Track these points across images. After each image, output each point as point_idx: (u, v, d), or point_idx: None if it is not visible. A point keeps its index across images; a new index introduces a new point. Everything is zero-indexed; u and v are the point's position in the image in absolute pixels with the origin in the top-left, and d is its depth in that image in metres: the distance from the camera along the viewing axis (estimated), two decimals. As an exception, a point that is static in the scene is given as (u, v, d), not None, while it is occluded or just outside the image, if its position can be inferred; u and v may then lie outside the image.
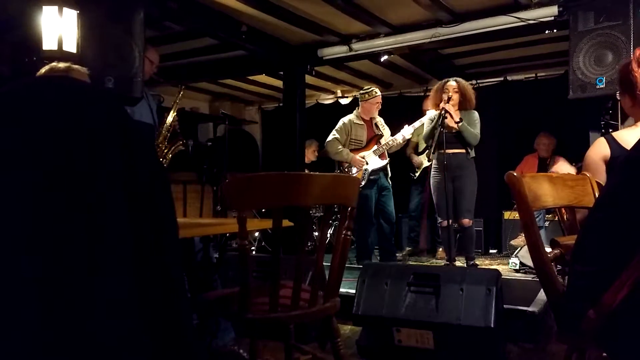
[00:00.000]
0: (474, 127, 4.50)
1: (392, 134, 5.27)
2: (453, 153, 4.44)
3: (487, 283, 2.74)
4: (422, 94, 6.81)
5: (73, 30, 3.01)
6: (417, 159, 5.77)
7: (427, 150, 5.54)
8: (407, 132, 5.15)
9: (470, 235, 4.65)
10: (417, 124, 5.14)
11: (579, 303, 1.33)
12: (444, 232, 4.45)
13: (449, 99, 4.37)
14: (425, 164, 5.72)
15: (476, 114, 4.57)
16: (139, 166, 1.01)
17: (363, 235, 5.10)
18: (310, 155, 6.71)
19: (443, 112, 4.28)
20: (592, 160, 2.18)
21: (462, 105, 4.53)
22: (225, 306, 1.97)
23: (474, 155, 4.51)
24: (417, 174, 5.82)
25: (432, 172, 4.60)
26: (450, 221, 4.46)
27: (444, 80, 4.59)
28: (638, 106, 2.15)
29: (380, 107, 5.21)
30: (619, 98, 2.39)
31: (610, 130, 3.71)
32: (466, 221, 4.52)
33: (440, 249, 5.70)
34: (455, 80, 4.56)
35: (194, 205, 5.62)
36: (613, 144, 2.15)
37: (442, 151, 4.35)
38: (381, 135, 5.20)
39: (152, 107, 3.72)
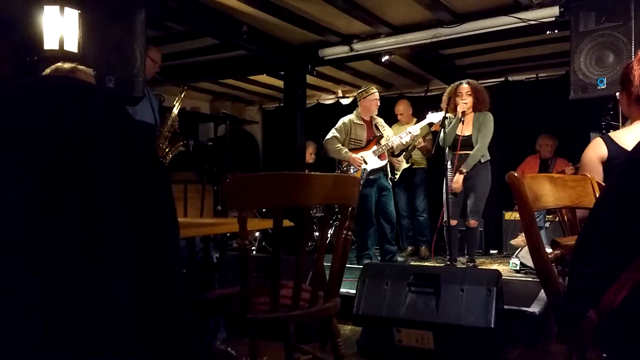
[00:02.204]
0: (485, 135, 4.45)
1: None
2: (466, 154, 4.44)
3: (487, 283, 2.74)
4: (423, 94, 6.82)
5: (74, 30, 3.01)
6: (395, 160, 5.76)
7: (405, 153, 5.59)
8: (405, 137, 5.16)
9: (474, 236, 4.65)
10: (415, 128, 5.14)
11: (579, 304, 1.33)
12: (448, 231, 4.45)
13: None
14: (404, 165, 5.73)
15: (491, 118, 4.52)
16: (140, 166, 1.01)
17: (363, 235, 5.10)
18: (307, 157, 6.71)
19: (462, 116, 4.35)
20: (588, 160, 2.19)
21: (477, 107, 4.50)
22: (226, 306, 1.98)
23: (487, 159, 4.50)
24: (397, 176, 5.81)
25: (445, 172, 4.58)
26: (456, 221, 4.48)
27: (456, 84, 4.56)
28: (633, 105, 2.16)
29: (378, 104, 5.21)
30: (618, 97, 2.40)
31: (611, 130, 3.71)
32: (472, 222, 4.52)
33: (424, 248, 5.71)
34: (468, 83, 4.51)
35: (195, 205, 5.62)
36: (610, 143, 2.16)
37: (455, 152, 4.38)
38: (381, 136, 5.20)
39: (154, 106, 3.72)
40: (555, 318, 1.58)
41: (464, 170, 4.41)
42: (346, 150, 5.10)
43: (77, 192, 0.93)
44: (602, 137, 2.22)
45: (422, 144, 5.39)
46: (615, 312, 1.23)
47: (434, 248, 5.77)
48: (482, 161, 4.46)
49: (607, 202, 1.37)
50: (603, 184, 1.93)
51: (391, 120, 5.53)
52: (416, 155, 5.73)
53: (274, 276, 1.77)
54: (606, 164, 2.15)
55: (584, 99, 3.78)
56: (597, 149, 2.18)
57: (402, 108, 5.90)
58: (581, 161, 2.25)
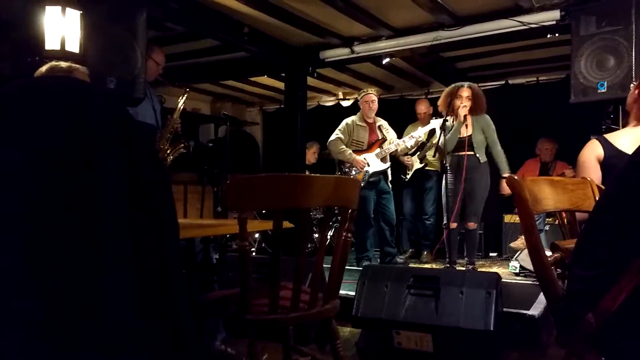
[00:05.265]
0: (493, 136, 4.48)
1: (398, 137, 5.33)
2: (467, 155, 4.43)
3: (487, 286, 2.74)
4: (424, 96, 6.81)
5: (76, 30, 3.01)
6: (407, 160, 5.75)
7: (419, 152, 5.58)
8: (409, 142, 5.18)
9: (473, 238, 4.65)
10: (419, 133, 5.15)
11: (578, 307, 1.33)
12: (448, 234, 4.45)
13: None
14: (417, 165, 5.72)
15: (490, 119, 4.53)
16: (140, 167, 1.01)
17: (362, 237, 5.10)
18: (310, 157, 6.72)
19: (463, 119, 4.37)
20: (586, 159, 2.21)
21: (473, 112, 4.48)
22: (225, 307, 1.97)
23: (485, 159, 4.50)
24: (408, 176, 5.80)
25: (444, 174, 4.58)
26: (456, 224, 4.48)
27: (456, 85, 4.54)
28: (638, 103, 2.19)
29: (372, 107, 5.19)
30: (631, 88, 2.40)
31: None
32: (472, 224, 4.52)
33: (425, 253, 5.70)
34: (470, 87, 4.49)
35: (195, 206, 5.63)
36: (606, 144, 2.19)
37: (457, 153, 4.40)
38: (384, 139, 5.21)
39: (155, 108, 3.72)
40: (554, 321, 1.58)
41: (508, 173, 4.44)
42: (350, 152, 5.11)
43: (77, 193, 0.93)
44: (597, 139, 2.24)
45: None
46: (614, 316, 1.23)
47: (433, 251, 5.77)
48: (482, 161, 4.47)
49: (606, 206, 1.37)
50: (602, 187, 1.94)
51: (392, 123, 5.52)
52: (430, 155, 5.66)
53: (273, 277, 1.77)
54: (603, 165, 2.17)
55: (585, 103, 3.78)
56: (593, 150, 2.20)
57: (425, 107, 5.85)
58: (578, 161, 2.27)
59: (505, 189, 4.47)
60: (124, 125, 1.02)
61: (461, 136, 4.45)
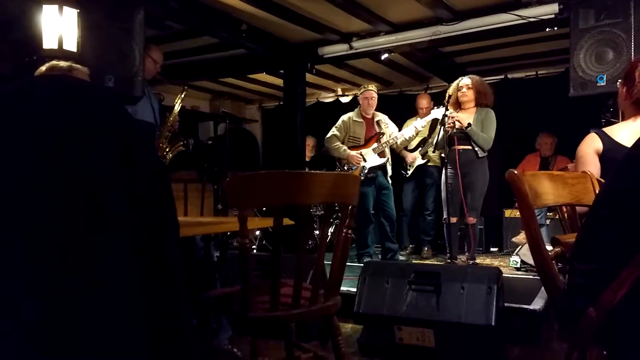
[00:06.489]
0: (488, 129, 4.44)
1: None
2: (463, 150, 4.41)
3: (488, 281, 2.74)
4: (423, 92, 6.81)
5: (73, 29, 3.01)
6: (410, 156, 5.75)
7: (421, 148, 5.57)
8: (408, 132, 5.18)
9: (473, 233, 4.65)
10: (421, 123, 5.15)
11: (579, 301, 1.33)
12: (448, 229, 4.45)
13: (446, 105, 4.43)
14: (419, 161, 5.71)
15: (492, 114, 4.50)
16: (139, 165, 1.01)
17: (362, 233, 5.10)
18: (308, 151, 6.72)
19: (450, 121, 4.34)
20: (584, 152, 2.22)
21: (479, 101, 4.48)
22: (226, 305, 1.98)
23: (482, 154, 4.49)
24: (409, 172, 5.80)
25: (443, 169, 4.58)
26: (456, 219, 4.48)
27: (458, 79, 4.56)
28: (629, 102, 2.21)
29: (371, 103, 5.19)
30: (618, 86, 2.42)
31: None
32: (471, 219, 4.51)
33: (426, 248, 5.70)
34: (470, 78, 4.52)
35: (195, 204, 5.63)
36: (604, 137, 2.20)
37: (453, 148, 4.38)
38: (382, 134, 5.20)
39: (154, 106, 3.72)
40: (555, 315, 1.58)
41: (467, 123, 4.35)
42: (345, 148, 5.11)
43: (75, 192, 0.93)
44: (595, 132, 2.25)
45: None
46: (615, 310, 1.23)
47: (434, 246, 5.77)
48: (480, 156, 4.45)
49: (606, 200, 1.37)
50: (602, 180, 1.94)
51: (391, 118, 5.51)
52: (432, 151, 5.63)
53: (274, 275, 1.77)
54: (601, 158, 2.17)
55: (584, 96, 3.77)
56: (592, 143, 2.21)
57: (426, 102, 5.82)
58: (576, 154, 2.27)
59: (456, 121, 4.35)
60: (122, 123, 1.01)
61: (458, 130, 4.43)
